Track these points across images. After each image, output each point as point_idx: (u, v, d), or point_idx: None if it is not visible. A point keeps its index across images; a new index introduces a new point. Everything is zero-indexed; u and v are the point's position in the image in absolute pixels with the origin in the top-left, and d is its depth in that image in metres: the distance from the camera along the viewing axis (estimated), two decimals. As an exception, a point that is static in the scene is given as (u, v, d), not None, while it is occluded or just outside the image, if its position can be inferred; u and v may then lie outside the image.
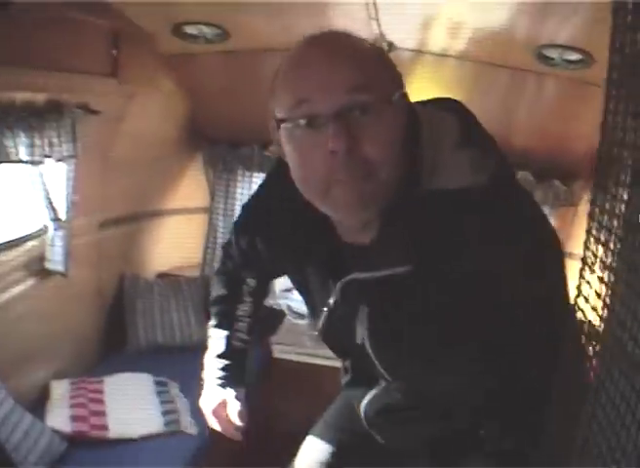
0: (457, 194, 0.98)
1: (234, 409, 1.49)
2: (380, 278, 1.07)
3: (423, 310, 1.06)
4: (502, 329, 1.04)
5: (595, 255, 0.94)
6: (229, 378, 1.53)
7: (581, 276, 1.01)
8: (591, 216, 0.98)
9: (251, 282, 1.57)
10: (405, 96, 1.03)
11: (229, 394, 1.51)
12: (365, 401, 1.43)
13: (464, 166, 1.00)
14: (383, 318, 1.14)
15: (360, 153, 0.95)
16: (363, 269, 1.10)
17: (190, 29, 2.73)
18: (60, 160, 2.62)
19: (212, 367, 1.55)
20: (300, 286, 1.33)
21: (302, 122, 0.96)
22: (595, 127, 0.98)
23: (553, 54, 2.40)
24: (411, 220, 1.01)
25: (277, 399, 3.43)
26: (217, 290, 1.61)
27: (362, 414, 1.45)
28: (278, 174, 1.19)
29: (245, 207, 1.44)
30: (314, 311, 1.29)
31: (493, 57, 2.67)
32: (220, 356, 1.55)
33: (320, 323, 1.25)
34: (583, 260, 1.01)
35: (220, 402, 1.51)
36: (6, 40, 1.95)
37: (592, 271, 0.96)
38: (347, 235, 1.14)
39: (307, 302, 1.35)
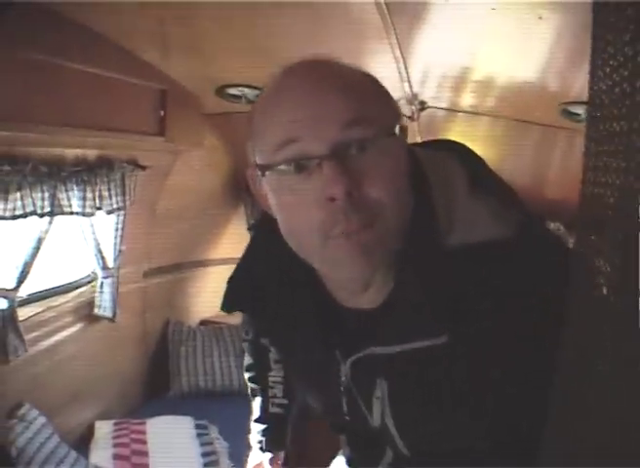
0: (485, 248, 0.83)
1: None
2: (403, 351, 0.88)
3: (458, 379, 0.87)
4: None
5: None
6: (266, 442, 1.53)
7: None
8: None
9: (275, 349, 1.43)
10: (404, 129, 0.87)
11: (265, 457, 1.52)
12: None
13: (485, 217, 0.86)
14: (410, 394, 0.93)
15: (361, 196, 0.79)
16: (376, 341, 0.91)
17: (232, 91, 2.89)
18: (110, 212, 2.78)
19: (252, 430, 1.55)
20: (295, 363, 1.18)
21: (290, 166, 0.81)
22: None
23: (579, 110, 2.45)
24: (432, 281, 0.85)
25: (312, 451, 3.46)
26: (246, 358, 1.53)
27: None
28: (263, 232, 1.01)
29: (230, 279, 1.15)
30: (315, 391, 1.15)
31: (521, 113, 2.73)
32: (256, 421, 1.54)
33: (330, 405, 1.06)
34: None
35: (257, 464, 1.53)
36: (60, 102, 2.13)
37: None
38: (346, 299, 0.96)
39: (304, 382, 1.19)
